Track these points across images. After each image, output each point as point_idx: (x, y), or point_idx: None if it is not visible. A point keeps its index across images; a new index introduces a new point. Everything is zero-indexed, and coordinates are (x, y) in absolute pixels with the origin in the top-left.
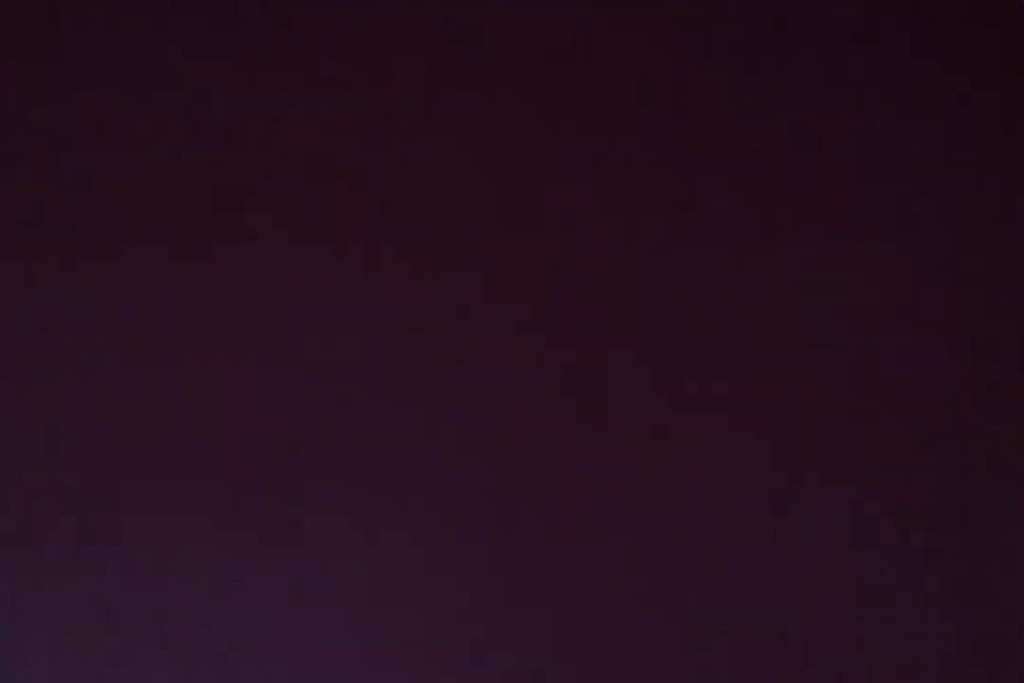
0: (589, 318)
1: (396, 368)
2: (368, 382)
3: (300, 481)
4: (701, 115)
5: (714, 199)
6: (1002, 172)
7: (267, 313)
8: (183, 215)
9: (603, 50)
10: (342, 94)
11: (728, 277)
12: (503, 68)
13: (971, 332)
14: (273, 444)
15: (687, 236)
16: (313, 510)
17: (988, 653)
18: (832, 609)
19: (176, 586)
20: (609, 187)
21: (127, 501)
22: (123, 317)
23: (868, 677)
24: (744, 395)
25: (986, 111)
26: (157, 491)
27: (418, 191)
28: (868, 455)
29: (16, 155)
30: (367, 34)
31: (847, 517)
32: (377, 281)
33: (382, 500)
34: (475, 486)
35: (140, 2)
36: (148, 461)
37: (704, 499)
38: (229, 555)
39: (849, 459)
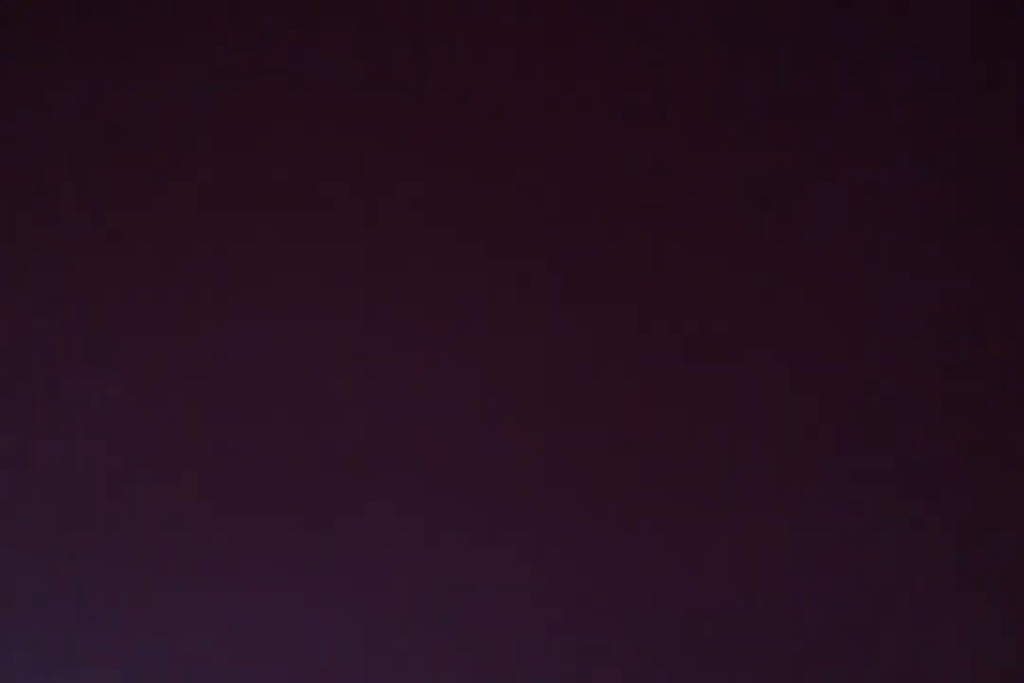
0: (601, 316)
1: (401, 365)
2: (371, 383)
3: (307, 479)
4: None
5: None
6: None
7: (270, 304)
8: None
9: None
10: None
11: (739, 284)
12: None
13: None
14: (280, 440)
15: (688, 236)
16: (320, 509)
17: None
18: (841, 615)
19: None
20: (615, 185)
21: (133, 501)
22: (125, 303)
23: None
24: (759, 398)
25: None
26: (166, 492)
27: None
28: (882, 461)
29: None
30: (373, 33)
31: (853, 521)
32: (379, 288)
33: (389, 496)
34: (482, 483)
35: None
36: (155, 453)
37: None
38: (237, 561)
39: (856, 464)
